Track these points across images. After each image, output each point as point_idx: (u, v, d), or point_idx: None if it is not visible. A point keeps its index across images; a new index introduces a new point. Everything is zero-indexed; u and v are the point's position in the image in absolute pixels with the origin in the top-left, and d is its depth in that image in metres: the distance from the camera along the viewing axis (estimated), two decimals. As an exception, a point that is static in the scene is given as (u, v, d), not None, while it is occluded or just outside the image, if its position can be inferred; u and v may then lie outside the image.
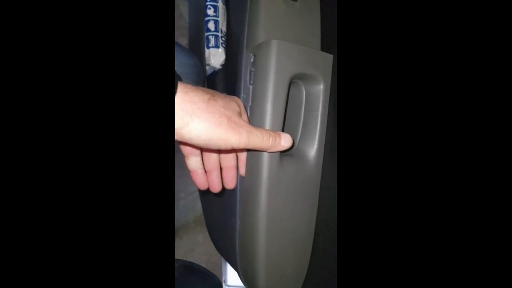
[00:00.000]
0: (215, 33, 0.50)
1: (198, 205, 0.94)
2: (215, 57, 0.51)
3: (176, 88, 0.25)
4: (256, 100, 0.33)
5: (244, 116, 0.33)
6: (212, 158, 0.35)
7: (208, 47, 0.51)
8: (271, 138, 0.31)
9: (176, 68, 0.33)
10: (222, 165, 0.36)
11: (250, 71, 0.35)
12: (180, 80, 0.27)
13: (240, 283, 0.78)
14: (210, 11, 0.50)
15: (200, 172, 0.35)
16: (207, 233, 0.97)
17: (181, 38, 0.81)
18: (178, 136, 0.27)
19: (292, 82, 0.36)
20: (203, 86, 0.52)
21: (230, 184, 0.36)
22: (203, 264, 0.78)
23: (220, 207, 0.46)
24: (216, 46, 0.50)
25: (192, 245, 0.90)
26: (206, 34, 0.50)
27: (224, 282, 0.75)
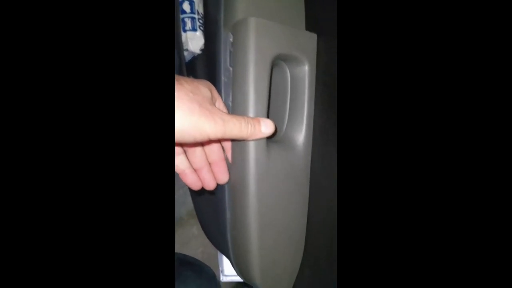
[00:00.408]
0: (191, 15, 0.47)
1: (190, 198, 0.92)
2: (193, 41, 0.48)
3: None
4: (236, 83, 0.31)
5: (218, 103, 0.30)
6: (197, 154, 0.32)
7: (185, 31, 0.48)
8: (249, 125, 0.28)
9: None
10: (209, 160, 0.33)
11: (230, 52, 0.33)
12: None
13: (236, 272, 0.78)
14: (184, -8, 0.46)
15: (189, 171, 0.32)
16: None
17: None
18: None
19: (275, 65, 0.34)
20: (182, 74, 0.49)
21: (222, 178, 0.33)
22: (199, 256, 0.77)
23: (210, 201, 0.45)
24: (193, 29, 0.48)
25: (187, 238, 0.89)
26: (182, 16, 0.47)
27: (222, 272, 0.75)
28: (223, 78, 0.33)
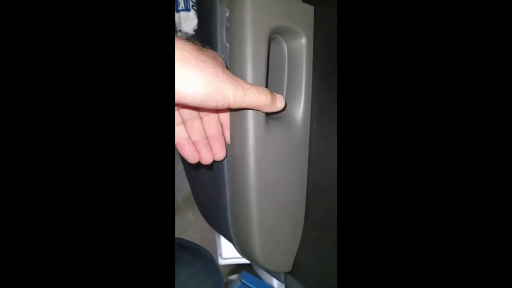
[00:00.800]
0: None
1: (185, 185, 0.92)
2: (187, 22, 0.47)
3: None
4: (234, 58, 0.30)
5: None
6: (195, 126, 0.32)
7: (178, 11, 0.47)
8: (269, 95, 0.28)
9: None
10: (207, 135, 0.33)
11: (226, 27, 0.32)
12: None
13: (235, 255, 0.79)
14: (176, -30, 0.45)
15: (187, 143, 0.31)
16: (197, 212, 0.97)
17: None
18: None
19: (273, 39, 0.33)
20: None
21: (219, 154, 0.33)
22: (197, 241, 0.78)
23: (208, 180, 0.45)
24: (187, 9, 0.47)
25: (184, 225, 0.90)
26: (174, -4, 0.46)
27: (220, 255, 0.76)
28: (220, 55, 0.32)
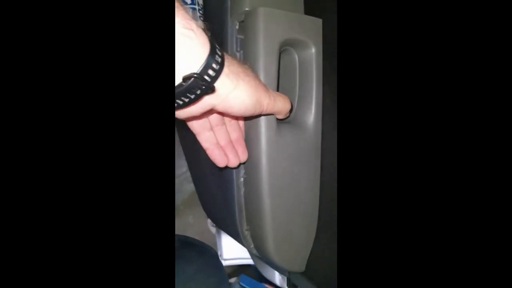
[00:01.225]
0: (192, 6, 0.49)
1: (185, 187, 0.94)
2: (194, 32, 0.50)
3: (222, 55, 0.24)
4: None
5: None
6: (222, 131, 0.33)
7: (186, 21, 0.50)
8: (287, 101, 0.31)
9: None
10: (231, 138, 0.34)
11: (236, 38, 0.35)
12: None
13: (235, 256, 0.81)
14: (185, -16, 0.48)
15: (216, 147, 0.33)
16: (197, 214, 0.98)
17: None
18: (222, 103, 0.25)
19: (284, 50, 0.36)
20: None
21: (243, 156, 0.34)
22: (197, 243, 0.79)
23: (214, 179, 0.47)
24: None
25: (184, 227, 0.91)
26: (183, 7, 0.49)
27: (221, 256, 0.78)
28: None
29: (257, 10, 0.31)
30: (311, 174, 0.37)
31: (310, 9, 0.36)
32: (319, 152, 0.37)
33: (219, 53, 0.23)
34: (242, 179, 0.38)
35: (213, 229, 0.94)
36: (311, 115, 0.36)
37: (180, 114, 0.25)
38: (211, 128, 0.32)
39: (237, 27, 0.35)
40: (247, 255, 0.67)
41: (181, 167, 0.91)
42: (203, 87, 0.23)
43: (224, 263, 0.78)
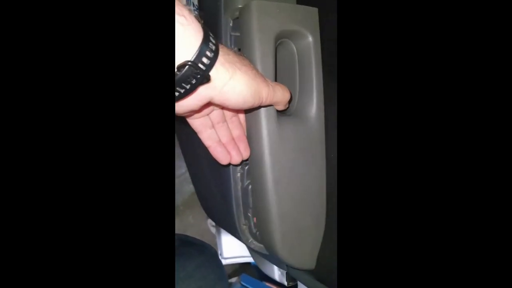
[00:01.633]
0: (187, 7, 0.50)
1: (185, 188, 0.94)
2: (190, 31, 0.51)
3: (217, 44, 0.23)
4: None
5: None
6: (224, 128, 0.33)
7: (182, 21, 0.50)
8: (285, 91, 0.30)
9: None
10: (233, 135, 0.34)
11: (231, 35, 0.36)
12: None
13: (235, 255, 0.81)
14: (180, -16, 0.49)
15: (218, 145, 0.32)
16: (197, 214, 0.98)
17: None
18: (219, 95, 0.24)
19: (281, 43, 0.35)
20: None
21: (245, 153, 0.34)
22: (197, 243, 0.80)
23: (213, 177, 0.47)
24: (190, 20, 0.50)
25: (184, 227, 0.92)
26: (178, 7, 0.50)
27: (221, 255, 0.78)
28: None
29: (250, 4, 0.31)
30: (316, 167, 0.36)
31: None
32: (323, 144, 0.36)
33: (213, 41, 0.23)
34: (239, 174, 0.38)
35: (213, 229, 0.95)
36: (313, 106, 0.35)
37: (178, 109, 0.25)
38: (213, 126, 0.32)
39: (231, 24, 0.35)
40: (247, 253, 0.68)
41: (181, 168, 0.92)
42: (198, 76, 0.22)
43: (224, 262, 0.79)
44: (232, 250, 0.78)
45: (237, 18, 0.35)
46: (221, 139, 0.33)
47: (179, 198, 0.95)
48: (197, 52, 0.21)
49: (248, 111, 0.33)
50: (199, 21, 0.22)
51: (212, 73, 0.23)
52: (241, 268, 0.90)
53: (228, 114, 0.33)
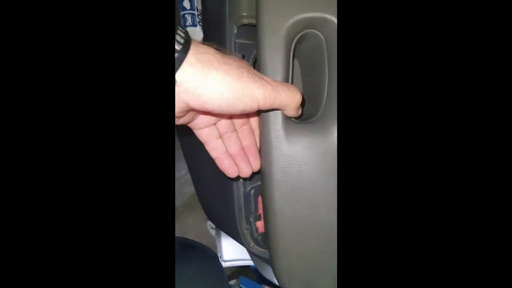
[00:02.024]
0: (191, 11, 0.50)
1: (185, 190, 0.95)
2: (193, 36, 0.51)
3: (190, 43, 0.21)
4: (257, 64, 0.29)
5: None
6: (232, 139, 0.30)
7: (185, 26, 0.51)
8: (295, 92, 0.26)
9: None
10: (243, 145, 0.31)
11: (235, 43, 0.36)
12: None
13: (235, 257, 0.82)
14: (184, -11, 0.50)
15: (225, 156, 0.30)
16: (196, 217, 0.99)
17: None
18: (194, 98, 0.22)
19: (307, 35, 0.30)
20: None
21: (255, 164, 0.31)
22: (197, 245, 0.80)
23: (217, 180, 0.47)
24: (194, 25, 0.51)
25: (184, 229, 0.92)
26: (182, 13, 0.50)
27: (221, 258, 0.78)
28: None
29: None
30: (331, 188, 0.29)
31: None
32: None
33: (181, 40, 0.20)
34: (241, 179, 0.38)
35: (213, 231, 0.95)
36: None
37: None
38: (220, 136, 0.30)
39: (235, 31, 0.36)
40: (247, 256, 0.68)
41: (181, 170, 0.92)
42: None
43: (224, 264, 0.79)
44: (232, 252, 0.78)
45: (242, 25, 0.35)
46: (229, 150, 0.31)
47: (179, 200, 0.95)
48: None
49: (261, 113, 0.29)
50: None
51: (179, 76, 0.21)
52: (239, 271, 0.90)
53: (237, 122, 0.31)
